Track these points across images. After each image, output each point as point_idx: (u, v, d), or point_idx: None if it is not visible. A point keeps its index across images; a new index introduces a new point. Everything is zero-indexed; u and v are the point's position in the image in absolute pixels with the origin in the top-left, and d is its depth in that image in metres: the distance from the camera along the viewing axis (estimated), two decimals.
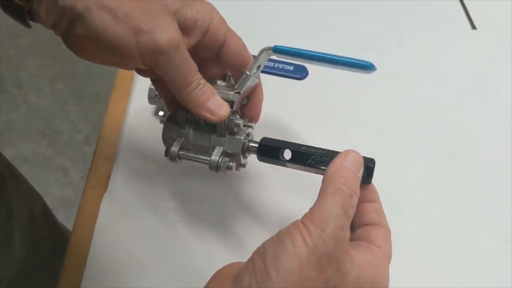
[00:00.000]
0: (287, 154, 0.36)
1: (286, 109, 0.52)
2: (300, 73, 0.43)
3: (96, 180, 0.48)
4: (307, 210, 0.29)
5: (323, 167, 0.34)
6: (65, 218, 0.80)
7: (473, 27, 0.64)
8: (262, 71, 0.45)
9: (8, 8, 0.34)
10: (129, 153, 0.50)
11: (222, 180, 0.47)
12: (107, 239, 0.44)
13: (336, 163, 0.30)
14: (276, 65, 0.44)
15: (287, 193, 0.46)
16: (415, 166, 0.49)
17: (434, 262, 0.43)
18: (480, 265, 0.43)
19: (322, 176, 0.31)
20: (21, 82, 1.68)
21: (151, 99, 0.49)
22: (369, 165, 0.32)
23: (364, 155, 0.32)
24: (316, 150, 0.35)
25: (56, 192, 1.41)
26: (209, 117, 0.36)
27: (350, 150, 0.31)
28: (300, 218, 0.28)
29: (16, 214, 0.57)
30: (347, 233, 0.28)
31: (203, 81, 0.36)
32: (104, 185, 0.48)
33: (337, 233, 0.27)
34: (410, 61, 0.59)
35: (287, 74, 0.44)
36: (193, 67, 0.35)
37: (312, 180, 0.33)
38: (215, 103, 0.36)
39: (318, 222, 0.27)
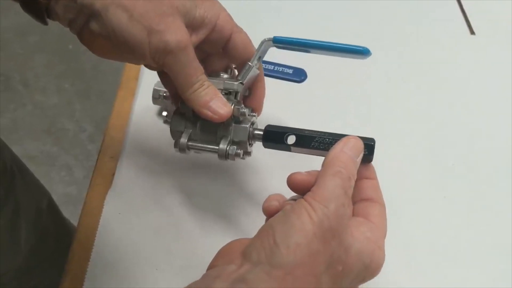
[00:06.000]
0: (291, 139, 0.37)
1: (286, 111, 0.53)
2: (299, 76, 0.45)
3: (101, 177, 0.50)
4: None
5: (326, 149, 0.35)
6: (69, 215, 0.81)
7: (472, 32, 0.65)
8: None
9: (27, 5, 0.35)
10: (133, 151, 0.51)
11: (225, 174, 0.49)
12: (111, 234, 0.45)
13: (337, 148, 0.32)
14: (276, 68, 0.45)
15: None
16: (411, 168, 0.50)
17: (430, 262, 0.44)
18: (476, 266, 0.44)
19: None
20: (28, 80, 1.70)
21: (155, 99, 0.51)
22: (370, 144, 0.34)
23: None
24: (318, 133, 0.36)
25: (60, 190, 1.42)
26: (211, 115, 0.37)
27: (352, 136, 0.33)
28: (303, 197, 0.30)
29: (23, 209, 0.59)
30: (348, 210, 0.30)
31: (207, 82, 0.37)
32: (108, 182, 0.49)
33: (339, 209, 0.29)
34: (409, 65, 0.60)
35: (287, 77, 0.45)
36: (198, 69, 0.37)
37: (310, 163, 0.35)
38: (217, 102, 0.37)
39: (321, 199, 0.29)
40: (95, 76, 1.69)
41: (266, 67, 0.46)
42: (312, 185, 0.31)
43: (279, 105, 0.53)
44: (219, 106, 0.37)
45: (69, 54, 1.71)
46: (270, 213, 0.34)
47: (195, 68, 0.37)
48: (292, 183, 0.34)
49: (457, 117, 0.55)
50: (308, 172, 0.34)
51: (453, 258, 0.44)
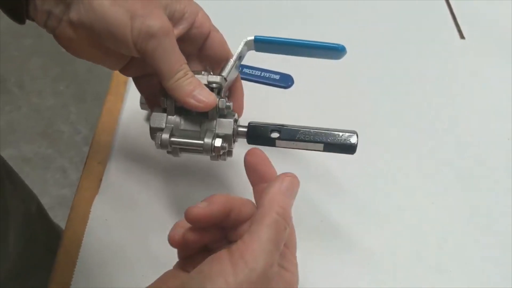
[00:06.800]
0: (276, 133, 0.38)
1: (272, 117, 0.52)
2: (286, 82, 0.45)
3: (89, 182, 0.50)
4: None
5: (312, 140, 0.36)
6: (62, 218, 0.81)
7: (462, 36, 0.65)
8: (250, 80, 0.46)
9: (4, 3, 0.35)
10: (121, 156, 0.51)
11: (212, 178, 0.48)
12: (98, 240, 0.45)
13: (275, 187, 0.31)
14: (262, 74, 0.45)
15: None
16: (399, 173, 0.50)
17: (416, 270, 0.44)
18: (464, 274, 0.44)
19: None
20: (24, 83, 1.70)
21: (142, 104, 0.51)
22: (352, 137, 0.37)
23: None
24: (302, 127, 0.37)
25: (55, 193, 1.42)
26: (196, 104, 0.37)
27: (288, 174, 0.32)
28: (229, 248, 0.27)
29: (12, 214, 0.59)
30: (275, 268, 0.28)
31: (190, 72, 0.37)
32: (96, 187, 0.49)
33: (267, 271, 0.27)
34: (398, 70, 0.60)
35: (273, 83, 0.45)
36: (181, 58, 0.37)
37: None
38: (201, 92, 0.37)
39: (249, 258, 0.26)
40: (90, 79, 1.69)
41: (253, 73, 0.46)
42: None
43: (266, 111, 0.53)
44: (204, 95, 0.37)
45: (64, 57, 1.71)
46: (175, 244, 0.32)
47: (179, 56, 0.36)
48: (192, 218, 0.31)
49: (446, 122, 0.55)
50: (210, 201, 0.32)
51: (440, 266, 0.44)
